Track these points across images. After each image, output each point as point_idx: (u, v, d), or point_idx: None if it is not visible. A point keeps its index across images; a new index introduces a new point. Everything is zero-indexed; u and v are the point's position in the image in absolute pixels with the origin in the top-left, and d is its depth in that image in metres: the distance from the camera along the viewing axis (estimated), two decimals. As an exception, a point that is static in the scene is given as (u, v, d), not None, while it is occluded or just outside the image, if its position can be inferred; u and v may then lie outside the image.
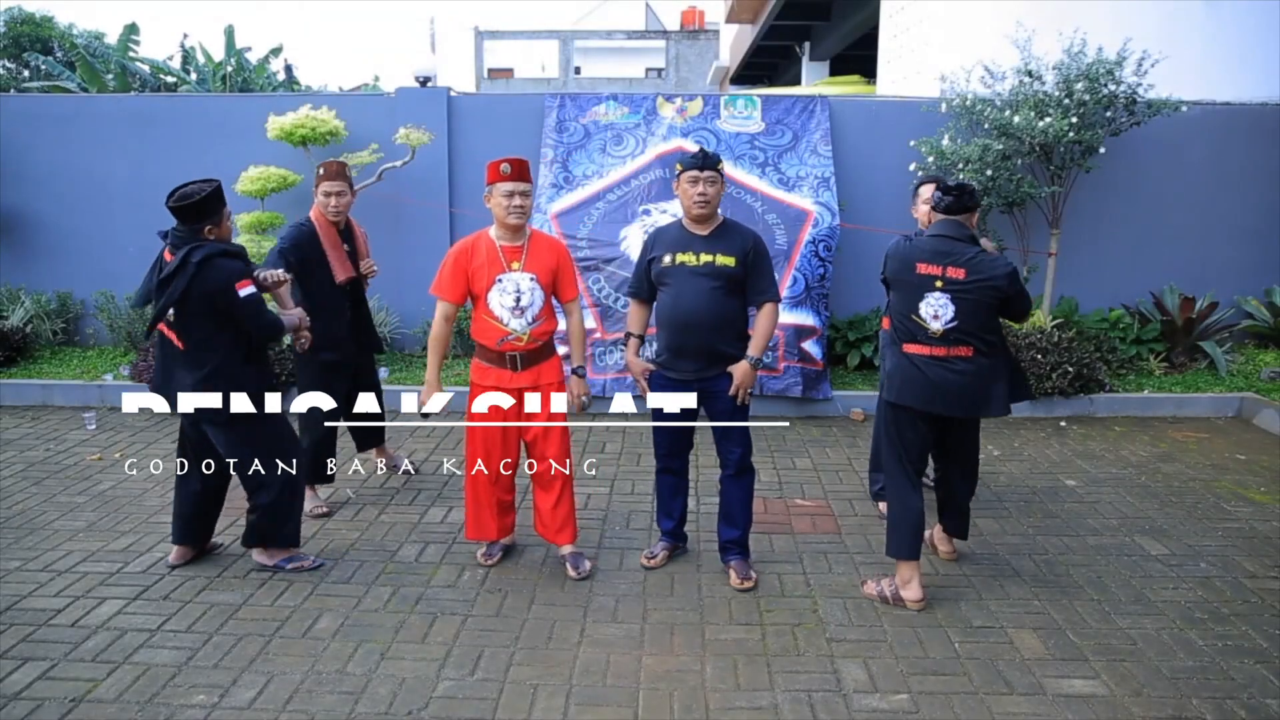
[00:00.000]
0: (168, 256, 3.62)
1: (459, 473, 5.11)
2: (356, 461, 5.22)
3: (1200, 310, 6.94)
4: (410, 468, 5.11)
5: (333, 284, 4.45)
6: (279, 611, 3.53)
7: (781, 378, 6.26)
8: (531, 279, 3.67)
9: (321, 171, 4.44)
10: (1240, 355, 7.11)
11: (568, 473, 3.86)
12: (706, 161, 3.62)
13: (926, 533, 4.06)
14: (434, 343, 3.81)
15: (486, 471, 3.80)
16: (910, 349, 3.56)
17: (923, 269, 3.51)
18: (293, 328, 3.90)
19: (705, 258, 3.64)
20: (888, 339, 3.75)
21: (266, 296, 3.77)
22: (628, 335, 3.94)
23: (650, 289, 3.82)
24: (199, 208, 3.55)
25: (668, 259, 3.69)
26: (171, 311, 3.55)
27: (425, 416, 3.89)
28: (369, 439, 5.04)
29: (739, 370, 3.67)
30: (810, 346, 6.30)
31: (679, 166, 3.70)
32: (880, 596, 3.64)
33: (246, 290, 3.55)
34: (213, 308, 3.52)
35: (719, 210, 3.76)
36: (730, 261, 3.64)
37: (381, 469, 5.11)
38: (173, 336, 3.64)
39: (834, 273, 6.56)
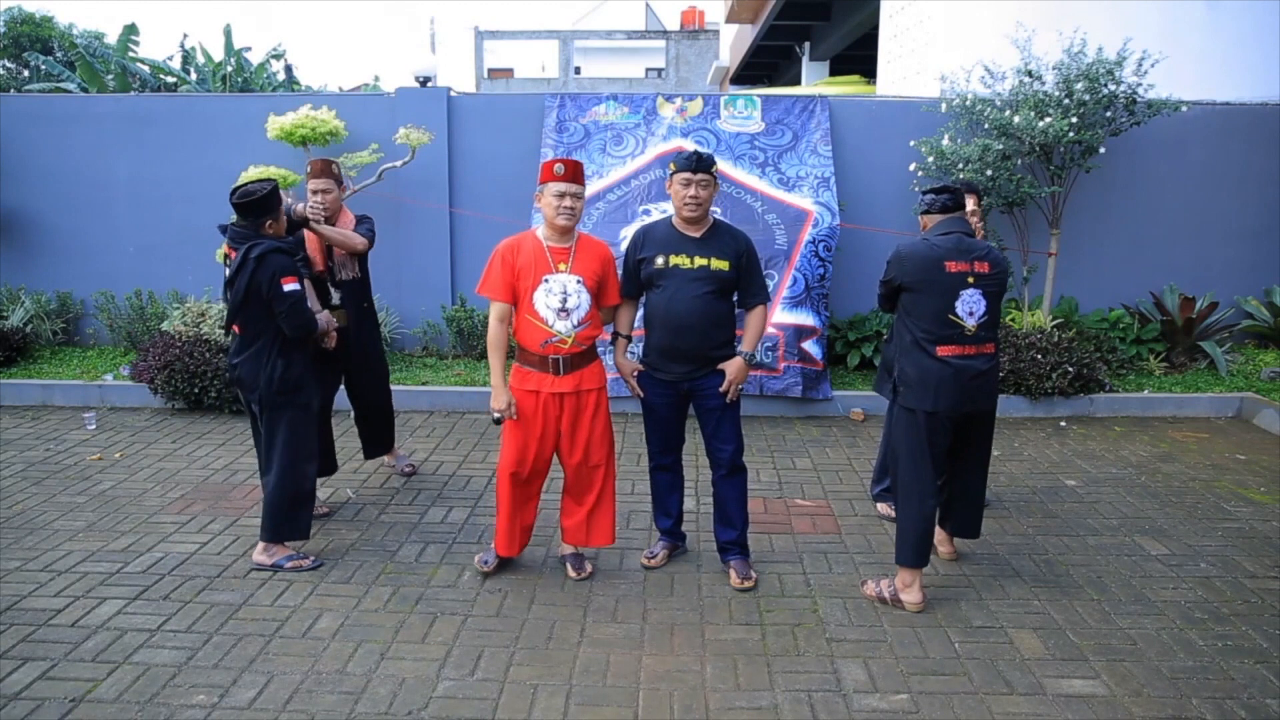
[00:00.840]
0: (229, 252, 3.86)
1: (459, 472, 5.12)
2: (355, 461, 5.23)
3: (1200, 310, 6.94)
4: (410, 467, 5.12)
5: (316, 277, 4.53)
6: (279, 611, 3.53)
7: (781, 378, 6.26)
8: (578, 281, 3.59)
9: (308, 170, 4.56)
10: (1240, 355, 7.11)
11: (610, 477, 3.81)
12: (700, 164, 3.57)
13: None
14: (494, 347, 3.64)
15: (520, 480, 3.72)
16: (945, 351, 3.48)
17: (953, 267, 3.47)
18: (322, 330, 4.12)
19: (700, 261, 3.62)
20: (903, 346, 3.61)
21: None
22: (615, 335, 3.91)
23: (638, 288, 3.80)
24: (259, 204, 3.80)
25: (660, 260, 3.65)
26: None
27: (497, 422, 3.72)
28: (376, 447, 5.05)
29: (733, 366, 3.66)
30: (810, 346, 6.30)
31: (672, 166, 3.65)
32: (879, 597, 3.63)
33: (290, 285, 3.77)
34: (260, 297, 3.75)
35: (711, 209, 3.74)
36: (724, 265, 3.62)
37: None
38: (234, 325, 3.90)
39: (834, 273, 6.57)
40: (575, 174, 3.57)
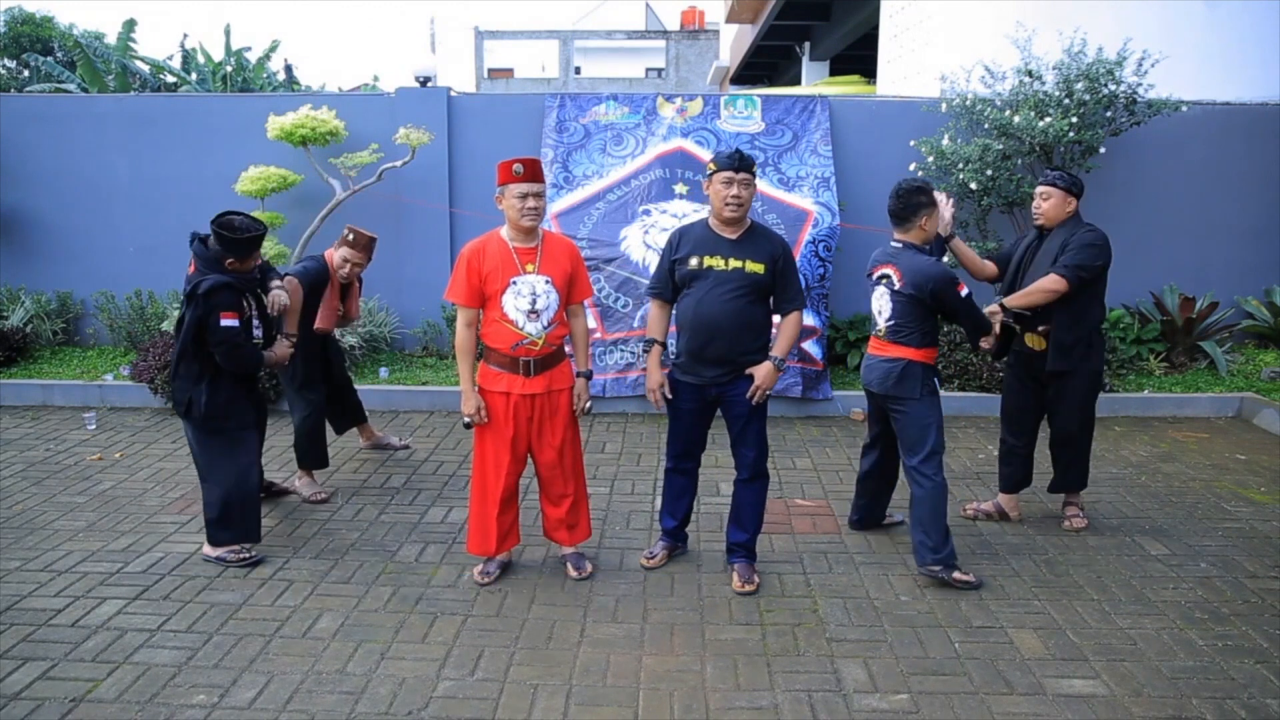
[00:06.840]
0: (191, 269, 3.88)
1: (459, 471, 5.12)
2: (355, 461, 5.23)
3: (1200, 310, 6.93)
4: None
5: (311, 326, 4.61)
6: (279, 611, 3.53)
7: (781, 378, 6.21)
8: (547, 281, 3.57)
9: (351, 238, 4.62)
10: (1240, 355, 7.11)
11: (580, 479, 3.84)
12: (743, 164, 3.52)
13: (988, 505, 4.50)
14: (462, 352, 3.62)
15: (493, 482, 3.69)
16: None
17: None
18: (271, 362, 4.13)
19: (735, 263, 3.57)
20: (1093, 324, 4.18)
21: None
22: (650, 342, 3.81)
23: (674, 290, 3.74)
24: (247, 243, 3.81)
25: (695, 261, 3.61)
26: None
27: (468, 426, 3.71)
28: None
29: (761, 370, 3.62)
30: (810, 346, 6.30)
31: (711, 165, 3.59)
32: None
33: (228, 321, 3.76)
34: (200, 328, 3.79)
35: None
36: (759, 269, 3.58)
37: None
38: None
39: (834, 273, 6.57)
40: (535, 172, 3.53)
